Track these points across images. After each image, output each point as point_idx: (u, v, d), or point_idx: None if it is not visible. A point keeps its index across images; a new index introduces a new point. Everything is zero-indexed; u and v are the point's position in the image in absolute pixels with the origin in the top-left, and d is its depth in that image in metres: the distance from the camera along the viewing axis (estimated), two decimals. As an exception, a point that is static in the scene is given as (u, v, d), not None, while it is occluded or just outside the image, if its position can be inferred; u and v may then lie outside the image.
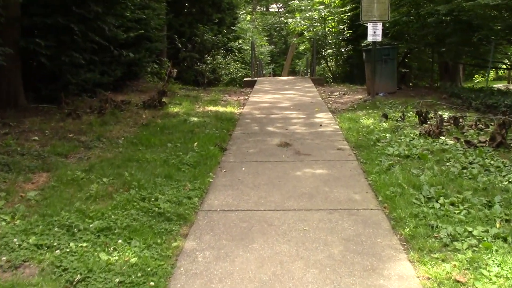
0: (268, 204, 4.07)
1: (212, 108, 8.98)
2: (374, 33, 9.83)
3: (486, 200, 3.85)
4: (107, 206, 3.85)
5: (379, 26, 9.81)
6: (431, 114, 7.04)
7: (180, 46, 13.15)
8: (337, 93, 11.68)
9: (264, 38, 26.93)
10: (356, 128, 6.83)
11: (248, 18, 39.08)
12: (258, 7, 49.47)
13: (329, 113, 8.39)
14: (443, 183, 4.28)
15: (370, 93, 10.30)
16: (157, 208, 3.84)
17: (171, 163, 5.08)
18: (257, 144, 6.16)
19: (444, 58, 12.22)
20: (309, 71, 16.29)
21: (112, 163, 5.03)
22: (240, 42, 22.25)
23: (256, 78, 14.93)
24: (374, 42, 9.93)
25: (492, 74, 25.72)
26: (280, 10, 45.15)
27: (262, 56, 24.13)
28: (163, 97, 8.73)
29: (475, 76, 27.14)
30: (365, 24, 12.42)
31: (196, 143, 5.92)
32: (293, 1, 18.33)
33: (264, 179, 4.72)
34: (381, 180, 4.48)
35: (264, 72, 22.35)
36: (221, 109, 8.90)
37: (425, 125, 6.51)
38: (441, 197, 3.93)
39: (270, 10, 48.43)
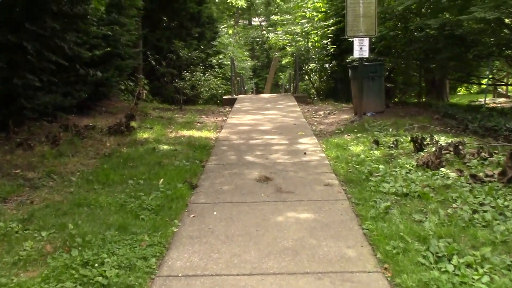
0: (242, 266, 3.29)
1: (186, 132, 8.19)
2: (361, 49, 9.19)
3: (511, 261, 3.12)
4: (36, 277, 3.03)
5: (366, 41, 9.18)
6: (427, 140, 6.35)
7: (154, 63, 12.32)
8: (322, 113, 10.99)
9: (245, 52, 26.26)
10: (345, 157, 6.10)
11: (230, 32, 38.57)
12: (241, 21, 49.09)
13: (314, 137, 7.66)
14: (453, 234, 3.56)
15: (357, 112, 9.63)
16: (101, 278, 3.03)
17: (129, 208, 4.28)
18: (233, 178, 5.38)
19: (433, 74, 11.67)
20: (292, 87, 15.64)
21: (57, 209, 4.22)
22: (221, 57, 21.60)
23: (236, 96, 14.21)
24: (360, 59, 9.29)
25: (475, 86, 25.44)
26: (262, 23, 44.74)
27: (243, 72, 23.46)
28: (132, 121, 7.92)
29: (458, 88, 26.84)
30: (350, 39, 11.85)
31: (162, 180, 5.12)
32: (274, 16, 17.66)
33: (239, 228, 3.94)
34: (379, 229, 3.73)
35: (245, 88, 21.67)
36: (195, 133, 8.12)
37: (422, 154, 5.81)
38: (454, 256, 3.20)
39: (253, 23, 48.05)
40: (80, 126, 7.88)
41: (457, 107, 9.81)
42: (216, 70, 19.98)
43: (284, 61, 24.43)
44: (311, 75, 14.93)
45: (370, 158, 5.93)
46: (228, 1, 42.65)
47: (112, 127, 7.67)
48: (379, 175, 5.11)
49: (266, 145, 7.05)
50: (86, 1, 7.60)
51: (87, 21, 8.11)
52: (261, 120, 9.47)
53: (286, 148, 6.84)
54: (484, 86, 27.92)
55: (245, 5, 43.85)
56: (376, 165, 5.50)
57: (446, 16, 8.24)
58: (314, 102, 13.65)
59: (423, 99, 12.48)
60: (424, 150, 6.03)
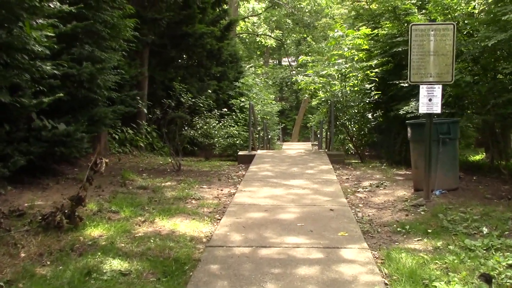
0: None
1: (166, 223, 5.37)
2: (430, 101, 6.33)
3: None
4: None
5: (438, 90, 6.33)
6: None
7: (146, 112, 9.74)
8: (367, 183, 8.05)
9: (271, 95, 23.65)
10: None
11: (260, 71, 36.33)
12: (270, 60, 47.08)
13: (365, 243, 4.71)
14: None
15: (423, 189, 6.70)
16: None
17: None
18: None
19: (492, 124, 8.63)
20: (322, 141, 12.80)
21: None
22: (243, 99, 19.04)
23: (254, 152, 11.42)
24: (429, 115, 6.40)
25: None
26: (292, 63, 42.54)
27: (268, 117, 20.76)
28: (79, 206, 5.13)
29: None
30: (401, 85, 9.02)
31: None
32: (304, 56, 15.02)
33: None
34: None
35: (269, 135, 18.90)
36: (180, 226, 5.29)
37: None
38: None
39: (283, 63, 45.97)
40: (6, 212, 5.18)
41: None
42: (237, 114, 17.41)
43: (314, 102, 21.71)
44: (349, 127, 12.03)
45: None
46: (257, 40, 40.79)
47: (47, 217, 4.90)
48: None
49: (285, 264, 4.13)
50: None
51: (28, 53, 5.51)
52: (282, 199, 6.58)
53: (320, 272, 3.91)
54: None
55: (275, 44, 41.86)
56: None
57: None
58: (353, 163, 10.69)
59: (498, 162, 9.40)
60: None
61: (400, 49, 10.19)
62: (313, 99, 15.94)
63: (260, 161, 10.09)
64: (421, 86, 6.38)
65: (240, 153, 11.23)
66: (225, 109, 14.16)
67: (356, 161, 11.68)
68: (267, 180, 7.94)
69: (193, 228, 5.24)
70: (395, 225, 5.51)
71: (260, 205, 6.24)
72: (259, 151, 12.02)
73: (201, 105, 9.99)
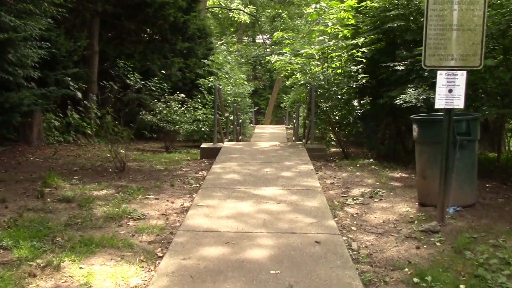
0: None
1: (76, 270, 3.61)
2: (450, 92, 4.70)
3: None
4: None
5: (462, 78, 4.71)
6: None
7: (97, 93, 7.88)
8: (358, 192, 6.45)
9: (243, 76, 21.81)
10: None
11: (232, 48, 34.29)
12: (244, 38, 45.01)
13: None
14: None
15: (431, 205, 5.17)
16: None
17: None
18: None
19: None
20: (299, 133, 11.16)
21: None
22: (212, 79, 17.18)
23: (221, 145, 9.68)
24: (449, 112, 4.79)
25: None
26: (266, 41, 40.60)
27: (240, 99, 18.97)
28: None
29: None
30: (397, 67, 7.46)
31: None
32: (280, 32, 13.19)
33: None
34: None
35: (240, 120, 17.14)
36: (98, 277, 3.55)
37: None
38: None
39: (257, 41, 43.98)
40: None
41: None
42: (205, 95, 15.59)
43: (289, 82, 20.14)
44: (331, 115, 10.39)
45: None
46: (230, 15, 38.59)
47: None
48: None
49: None
50: None
51: None
52: (251, 220, 4.90)
53: None
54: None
55: (249, 20, 39.71)
56: None
57: None
58: (337, 161, 9.08)
59: None
60: None
61: (394, 25, 8.56)
62: (289, 79, 14.27)
63: (226, 157, 8.36)
64: (438, 72, 4.74)
65: (204, 145, 9.47)
66: (182, 95, 12.28)
67: (339, 156, 10.08)
68: (232, 187, 6.24)
69: (116, 279, 3.52)
70: (406, 269, 3.90)
71: (219, 231, 4.54)
72: (226, 143, 10.28)
73: (153, 88, 8.14)
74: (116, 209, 5.18)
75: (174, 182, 6.73)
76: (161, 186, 6.47)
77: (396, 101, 7.60)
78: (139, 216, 5.06)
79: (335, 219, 5.20)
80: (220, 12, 39.17)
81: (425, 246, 4.44)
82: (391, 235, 4.80)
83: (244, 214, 5.09)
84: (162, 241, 4.40)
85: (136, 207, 5.40)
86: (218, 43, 24.66)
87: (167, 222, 4.96)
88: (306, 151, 9.03)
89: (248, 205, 5.45)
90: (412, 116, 5.81)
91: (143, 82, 7.82)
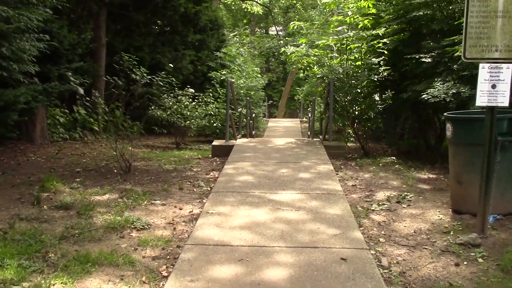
0: None
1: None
2: (493, 88, 4.12)
3: None
4: None
5: (507, 72, 4.12)
6: None
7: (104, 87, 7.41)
8: (383, 196, 5.90)
9: (256, 68, 21.23)
10: None
11: (246, 40, 33.71)
12: (257, 29, 44.34)
13: None
14: None
15: (467, 212, 4.61)
16: None
17: None
18: None
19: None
20: (319, 128, 10.61)
21: None
22: (224, 72, 16.66)
23: (233, 142, 9.18)
24: (491, 110, 4.21)
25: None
26: (280, 33, 39.89)
27: (253, 93, 18.41)
28: None
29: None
30: (424, 59, 6.89)
31: None
32: (295, 22, 12.58)
33: None
34: None
35: (254, 114, 16.59)
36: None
37: None
38: None
39: (270, 33, 43.29)
40: None
41: None
42: (217, 89, 15.10)
43: (302, 74, 19.56)
44: (351, 110, 9.81)
45: None
46: (243, 7, 37.90)
47: None
48: None
49: None
50: None
51: None
52: (267, 231, 4.39)
53: None
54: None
55: (262, 11, 39.02)
56: None
57: None
58: (357, 160, 8.51)
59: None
60: None
61: (420, 13, 7.93)
62: (301, 72, 13.69)
63: (239, 156, 7.85)
64: (481, 65, 4.17)
65: (215, 142, 8.97)
66: (191, 90, 11.81)
67: (359, 153, 9.52)
68: (246, 191, 5.73)
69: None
70: (448, 291, 3.37)
71: (232, 245, 4.04)
72: (238, 141, 9.75)
73: (161, 83, 7.64)
74: (119, 218, 4.70)
75: (183, 185, 6.24)
76: (169, 190, 5.98)
77: (423, 96, 7.00)
78: (143, 226, 4.58)
79: (361, 228, 4.67)
80: (233, 3, 38.52)
81: (465, 263, 3.90)
82: (425, 248, 4.26)
83: (260, 224, 4.58)
84: (168, 257, 3.92)
85: (141, 214, 4.92)
86: (231, 35, 24.07)
87: (174, 233, 4.48)
88: (324, 149, 8.49)
89: (263, 212, 4.94)
90: (446, 114, 5.23)
91: (149, 77, 7.33)
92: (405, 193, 5.96)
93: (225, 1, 36.69)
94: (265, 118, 24.35)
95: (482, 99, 4.18)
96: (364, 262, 3.73)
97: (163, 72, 7.70)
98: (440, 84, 7.05)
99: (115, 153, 7.07)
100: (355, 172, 7.29)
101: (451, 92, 6.73)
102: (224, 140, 9.13)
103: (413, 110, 9.32)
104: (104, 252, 3.87)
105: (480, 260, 3.94)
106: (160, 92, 9.23)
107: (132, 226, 4.56)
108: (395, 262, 3.97)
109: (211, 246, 4.01)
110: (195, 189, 6.10)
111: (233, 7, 39.11)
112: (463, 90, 6.70)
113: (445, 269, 3.81)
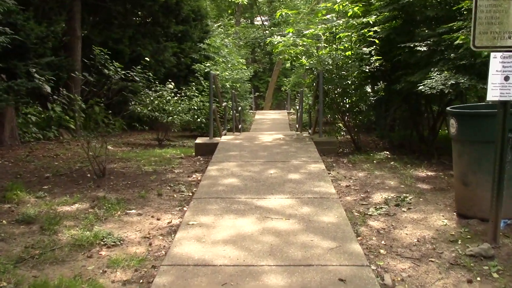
0: None
1: None
2: (507, 80, 3.64)
3: None
4: None
5: (523, 62, 3.63)
6: None
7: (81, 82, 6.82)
8: (380, 198, 5.44)
9: (242, 60, 20.64)
10: None
11: (231, 31, 33.03)
12: (242, 19, 43.60)
13: None
14: None
15: (473, 216, 4.19)
16: None
17: None
18: None
19: None
20: (308, 121, 10.11)
21: None
22: (209, 64, 16.07)
23: (218, 139, 8.66)
24: (504, 104, 3.74)
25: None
26: (265, 23, 39.23)
27: (238, 85, 17.85)
28: None
29: None
30: (418, 48, 6.46)
31: None
32: (282, 9, 11.97)
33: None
34: None
35: (240, 107, 16.03)
36: None
37: None
38: None
39: (256, 23, 42.58)
40: None
41: None
42: (201, 82, 14.54)
43: (288, 65, 19.03)
44: (341, 103, 9.33)
45: None
46: (227, -3, 37.10)
47: None
48: None
49: None
50: None
51: None
52: (254, 246, 3.90)
53: None
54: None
55: (246, 1, 38.28)
56: None
57: None
58: (349, 156, 8.04)
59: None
60: None
61: (413, -1, 7.46)
62: (287, 62, 13.16)
63: (224, 156, 7.33)
64: (492, 55, 3.69)
65: (198, 140, 8.43)
66: (171, 85, 11.27)
67: (350, 148, 9.06)
68: (231, 197, 5.22)
69: None
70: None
71: (215, 265, 3.53)
72: (224, 137, 9.23)
73: (137, 79, 7.06)
74: (87, 233, 4.17)
75: (162, 190, 5.71)
76: (146, 196, 5.45)
77: (420, 88, 6.53)
78: (114, 242, 4.05)
79: (359, 238, 4.20)
80: (217, -7, 37.71)
81: (478, 279, 3.45)
82: (431, 260, 3.80)
83: (246, 237, 4.08)
84: (141, 280, 3.41)
85: (113, 227, 4.39)
86: (215, 25, 23.39)
87: (150, 249, 3.96)
88: (314, 145, 8.01)
89: (250, 222, 4.44)
90: (449, 108, 4.77)
91: (124, 72, 6.75)
92: (404, 194, 5.51)
93: (209, -9, 35.90)
94: (251, 111, 23.81)
95: (493, 93, 3.71)
96: (365, 283, 3.26)
97: (139, 67, 7.12)
98: (437, 74, 6.59)
99: (92, 153, 6.51)
100: (348, 171, 6.81)
101: (449, 83, 6.27)
102: (208, 138, 8.59)
103: (405, 100, 8.91)
104: (66, 277, 3.34)
105: (495, 275, 3.50)
106: (138, 87, 8.67)
107: (102, 242, 4.03)
108: (399, 279, 3.51)
109: (190, 267, 3.50)
110: (175, 195, 5.57)
111: (217, -3, 38.30)
112: (462, 81, 6.26)
113: (456, 287, 3.35)
